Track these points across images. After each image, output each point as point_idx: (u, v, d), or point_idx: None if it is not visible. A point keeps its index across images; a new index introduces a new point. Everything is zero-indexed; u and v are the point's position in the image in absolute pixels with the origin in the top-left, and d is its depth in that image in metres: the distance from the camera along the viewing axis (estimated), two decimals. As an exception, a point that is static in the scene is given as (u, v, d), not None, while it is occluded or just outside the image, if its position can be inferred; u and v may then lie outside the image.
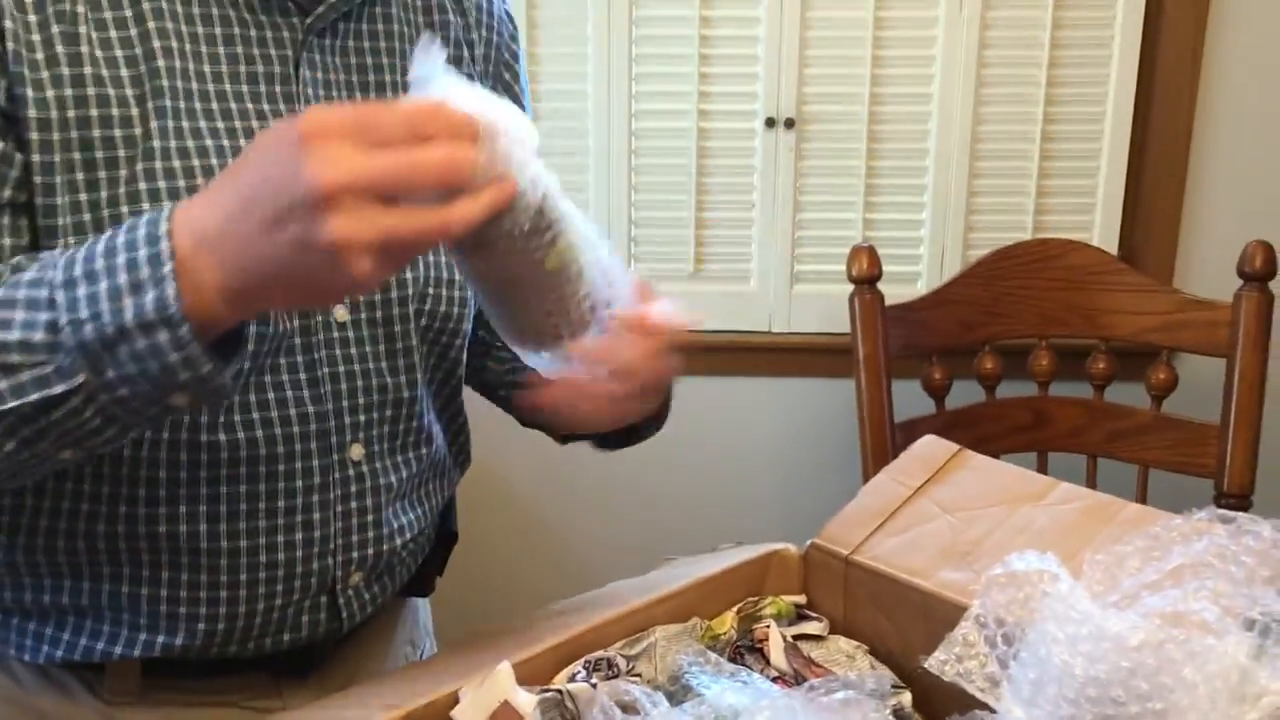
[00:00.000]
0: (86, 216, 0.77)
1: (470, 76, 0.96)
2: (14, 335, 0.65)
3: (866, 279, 1.67)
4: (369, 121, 0.60)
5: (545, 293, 0.72)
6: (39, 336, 0.64)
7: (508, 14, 1.02)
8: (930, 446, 0.93)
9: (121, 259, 0.63)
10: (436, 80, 0.65)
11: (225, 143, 0.81)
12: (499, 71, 1.00)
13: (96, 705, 0.88)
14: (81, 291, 0.64)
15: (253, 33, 0.83)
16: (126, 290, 0.63)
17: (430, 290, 0.89)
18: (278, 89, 0.84)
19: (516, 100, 1.01)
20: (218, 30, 0.82)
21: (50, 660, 0.87)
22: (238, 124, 0.82)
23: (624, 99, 1.92)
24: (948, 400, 1.75)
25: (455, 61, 0.95)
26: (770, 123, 1.93)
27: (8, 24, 0.75)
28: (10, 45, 0.75)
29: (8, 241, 0.76)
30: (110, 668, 0.87)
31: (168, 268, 0.62)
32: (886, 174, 1.96)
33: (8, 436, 0.67)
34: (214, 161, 0.80)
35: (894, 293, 1.70)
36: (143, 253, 0.63)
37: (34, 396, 0.65)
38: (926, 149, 1.95)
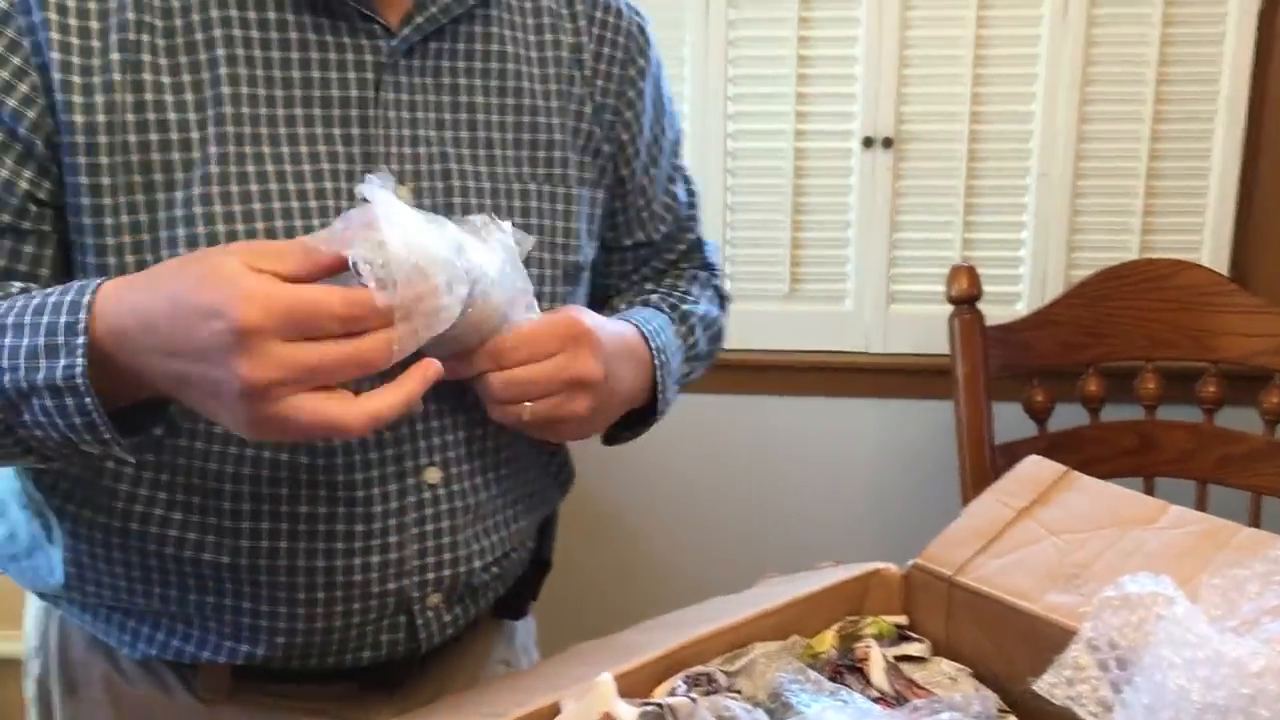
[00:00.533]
0: (145, 237, 0.77)
1: (583, 99, 0.93)
2: None
3: (966, 299, 1.64)
4: (302, 321, 0.63)
5: (457, 345, 0.78)
6: None
7: (639, 27, 0.97)
8: (1035, 467, 0.91)
9: (45, 320, 0.68)
10: (380, 204, 0.68)
11: (288, 168, 0.79)
12: (621, 90, 0.96)
13: (190, 700, 0.91)
14: (7, 341, 0.69)
15: (331, 55, 0.81)
16: (43, 352, 0.67)
17: None
18: (353, 114, 0.81)
19: (634, 123, 0.97)
20: (294, 54, 0.80)
21: (147, 656, 0.89)
22: (304, 149, 0.80)
23: (719, 118, 1.93)
24: (1050, 423, 1.71)
25: (566, 83, 0.92)
26: (868, 142, 1.92)
27: (55, 55, 0.75)
28: (58, 75, 0.75)
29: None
30: (202, 668, 0.89)
31: (80, 340, 0.67)
32: (986, 193, 1.93)
33: None
34: (273, 187, 0.79)
35: (994, 313, 1.67)
36: (63, 319, 0.67)
37: None
38: (1028, 167, 1.91)
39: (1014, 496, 0.87)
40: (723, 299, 1.11)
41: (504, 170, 0.88)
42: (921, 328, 1.94)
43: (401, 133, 0.83)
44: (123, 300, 0.68)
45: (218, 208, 0.78)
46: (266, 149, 0.79)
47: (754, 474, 2.05)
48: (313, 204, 0.80)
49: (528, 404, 0.81)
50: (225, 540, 0.84)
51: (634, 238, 1.03)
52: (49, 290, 0.70)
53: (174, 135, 0.77)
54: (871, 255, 1.96)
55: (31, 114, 0.76)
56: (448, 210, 0.84)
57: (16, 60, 0.76)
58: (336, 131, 0.81)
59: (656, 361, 0.92)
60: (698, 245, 1.10)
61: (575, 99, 0.93)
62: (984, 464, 1.61)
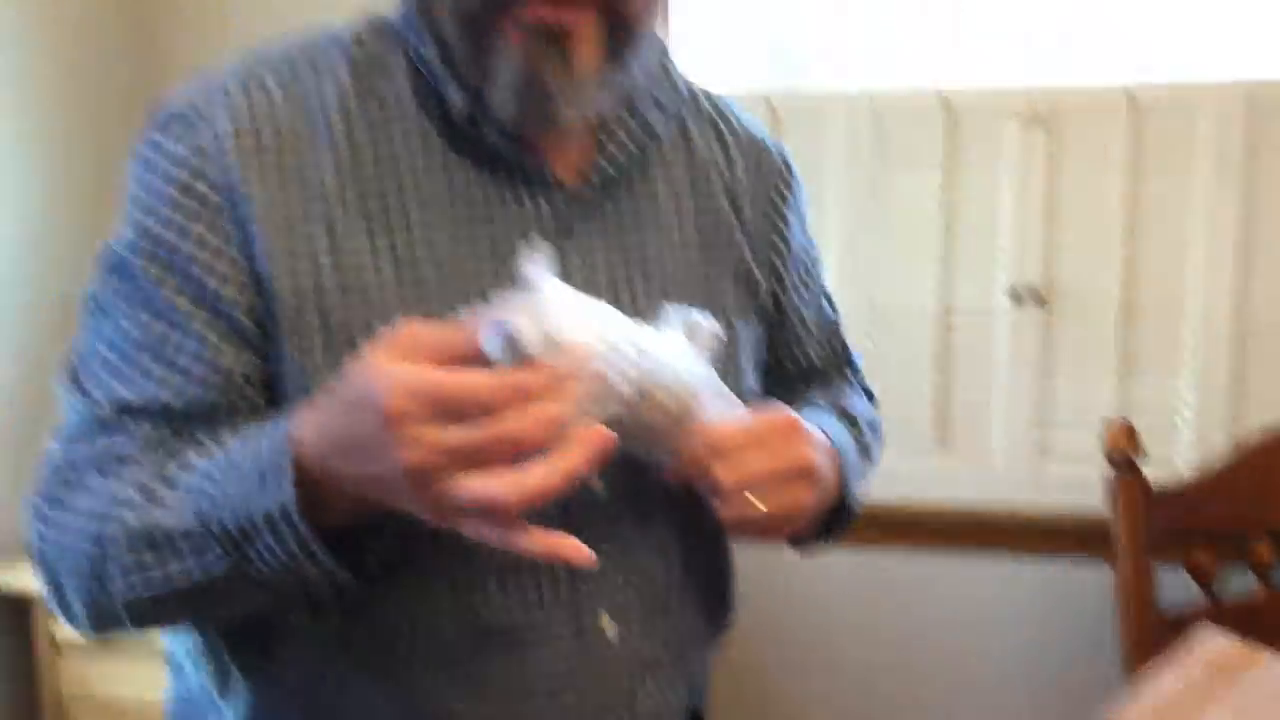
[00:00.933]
0: None
1: (736, 234, 0.95)
2: (172, 522, 0.73)
3: (1125, 459, 1.59)
4: (449, 403, 0.64)
5: (655, 437, 0.77)
6: (192, 526, 0.72)
7: (784, 159, 1.00)
8: (1214, 642, 0.86)
9: (252, 459, 0.71)
10: (541, 288, 0.68)
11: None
12: (773, 222, 0.98)
13: None
14: (223, 486, 0.71)
15: (514, 213, 0.84)
16: (256, 489, 0.70)
17: None
18: None
19: (786, 252, 0.99)
20: (480, 212, 0.83)
21: None
22: (490, 293, 0.81)
23: (864, 266, 1.94)
24: (1218, 589, 1.62)
25: (723, 222, 0.94)
26: (1015, 295, 1.90)
27: (256, 227, 0.78)
28: (262, 244, 0.78)
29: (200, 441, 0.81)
30: None
31: (287, 468, 0.68)
32: (1142, 347, 1.88)
33: (170, 604, 0.75)
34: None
35: (1155, 473, 1.61)
36: (267, 454, 0.70)
37: (195, 578, 0.73)
38: (1186, 322, 1.86)
39: (1193, 675, 0.83)
40: (871, 396, 1.12)
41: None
42: (1075, 484, 1.87)
43: (580, 285, 0.86)
44: (308, 420, 0.70)
45: None
46: (460, 307, 0.81)
47: (897, 629, 1.99)
48: None
49: (761, 497, 0.80)
50: (402, 698, 0.84)
51: (794, 361, 1.05)
52: (254, 432, 0.73)
53: (374, 295, 0.80)
54: (1021, 408, 1.92)
55: (238, 295, 0.79)
56: None
57: (217, 240, 0.79)
58: None
59: (843, 459, 0.92)
60: (845, 353, 1.12)
61: (730, 235, 0.95)
62: (1148, 634, 1.53)
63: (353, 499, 0.70)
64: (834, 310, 1.11)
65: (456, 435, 0.64)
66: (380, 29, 0.86)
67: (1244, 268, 1.83)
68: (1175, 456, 1.87)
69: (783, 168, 1.01)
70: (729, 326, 0.92)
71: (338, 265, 0.80)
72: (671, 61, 0.95)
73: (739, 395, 0.89)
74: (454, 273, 0.82)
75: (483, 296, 0.81)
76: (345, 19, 0.88)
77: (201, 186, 0.79)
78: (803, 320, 1.04)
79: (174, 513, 0.73)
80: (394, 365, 0.65)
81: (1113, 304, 1.87)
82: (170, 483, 0.75)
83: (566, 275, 0.83)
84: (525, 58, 0.78)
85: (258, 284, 0.79)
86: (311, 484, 0.69)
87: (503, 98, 0.80)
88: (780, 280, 1.00)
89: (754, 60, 2.18)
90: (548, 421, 0.65)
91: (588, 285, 0.85)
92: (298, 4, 1.65)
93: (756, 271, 0.97)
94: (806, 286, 1.04)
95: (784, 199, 1.00)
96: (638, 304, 0.88)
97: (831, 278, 1.91)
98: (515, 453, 0.65)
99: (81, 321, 0.84)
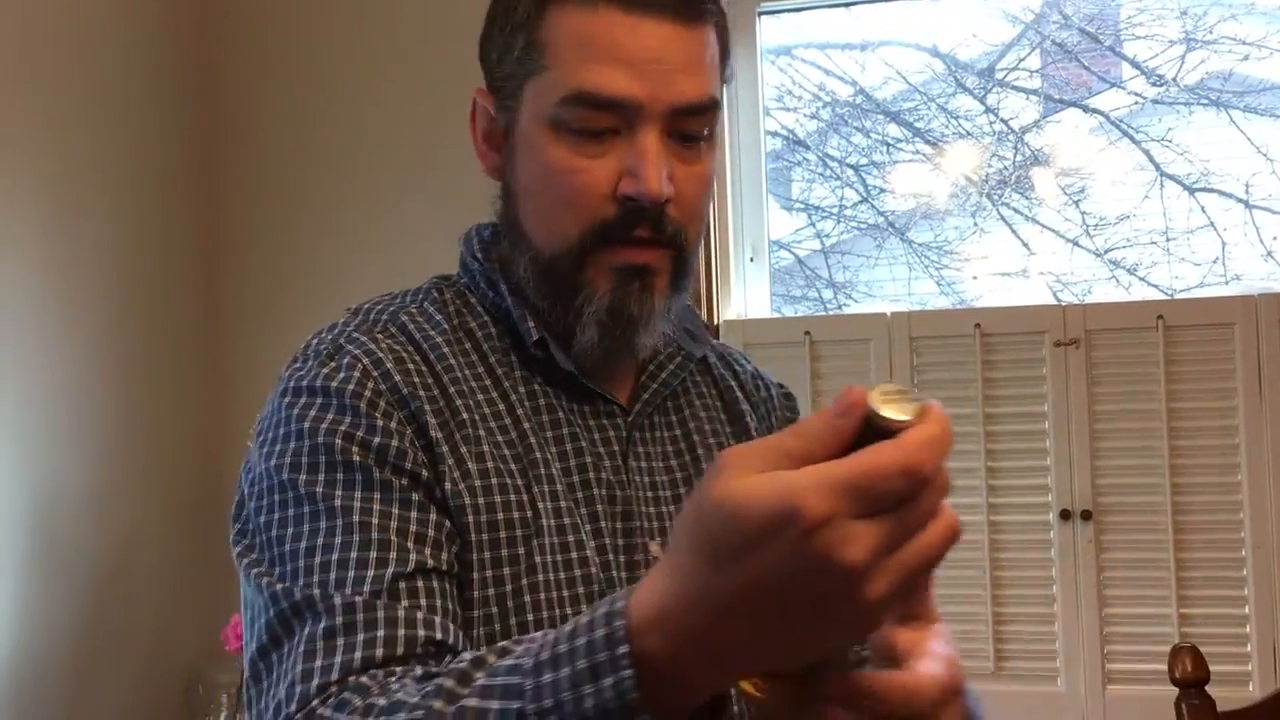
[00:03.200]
0: (505, 589, 0.84)
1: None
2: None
3: (1192, 682, 1.54)
4: (867, 489, 0.57)
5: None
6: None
7: (788, 394, 1.08)
8: None
9: (582, 641, 0.63)
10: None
11: (583, 513, 0.89)
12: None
13: None
14: (546, 678, 0.63)
15: (595, 433, 0.93)
16: (586, 676, 0.62)
17: None
18: (607, 472, 0.92)
19: None
20: (564, 429, 0.91)
21: None
22: (580, 496, 0.90)
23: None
24: (1305, 823, 1.53)
25: (746, 429, 1.01)
26: (1065, 515, 1.89)
27: (430, 471, 0.85)
28: (443, 469, 0.85)
29: (450, 606, 0.82)
30: None
31: (623, 650, 0.61)
32: (1198, 565, 1.85)
33: None
34: (579, 525, 0.88)
35: (1225, 695, 1.56)
36: (600, 634, 0.62)
37: None
38: (1242, 539, 1.84)
39: None
40: None
41: None
42: (1144, 711, 1.81)
43: (646, 494, 0.94)
44: (649, 589, 0.62)
45: (551, 557, 0.86)
46: (564, 503, 0.88)
47: None
48: (594, 563, 0.88)
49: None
50: None
51: None
52: (574, 618, 0.67)
53: (511, 497, 0.86)
54: (1081, 632, 1.88)
55: (435, 481, 0.85)
56: None
57: (408, 435, 0.85)
58: (603, 491, 0.91)
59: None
60: None
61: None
62: None
63: (702, 679, 0.63)
64: None
65: (888, 520, 0.57)
66: (449, 283, 0.96)
67: (1294, 482, 1.82)
68: (1247, 679, 1.81)
69: (786, 398, 1.08)
70: None
71: (485, 486, 0.86)
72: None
73: None
74: (561, 478, 0.89)
75: (571, 494, 0.89)
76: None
77: (378, 397, 0.85)
78: None
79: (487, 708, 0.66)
80: (783, 473, 0.58)
81: (1165, 522, 1.85)
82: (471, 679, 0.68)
83: (633, 482, 0.93)
84: (613, 294, 0.88)
85: (440, 484, 0.85)
86: (648, 663, 0.61)
87: (589, 332, 0.89)
88: None
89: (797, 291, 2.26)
90: (947, 479, 0.59)
91: (652, 490, 0.94)
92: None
93: None
94: None
95: (795, 420, 1.07)
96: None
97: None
98: (951, 537, 0.59)
99: (256, 565, 0.83)
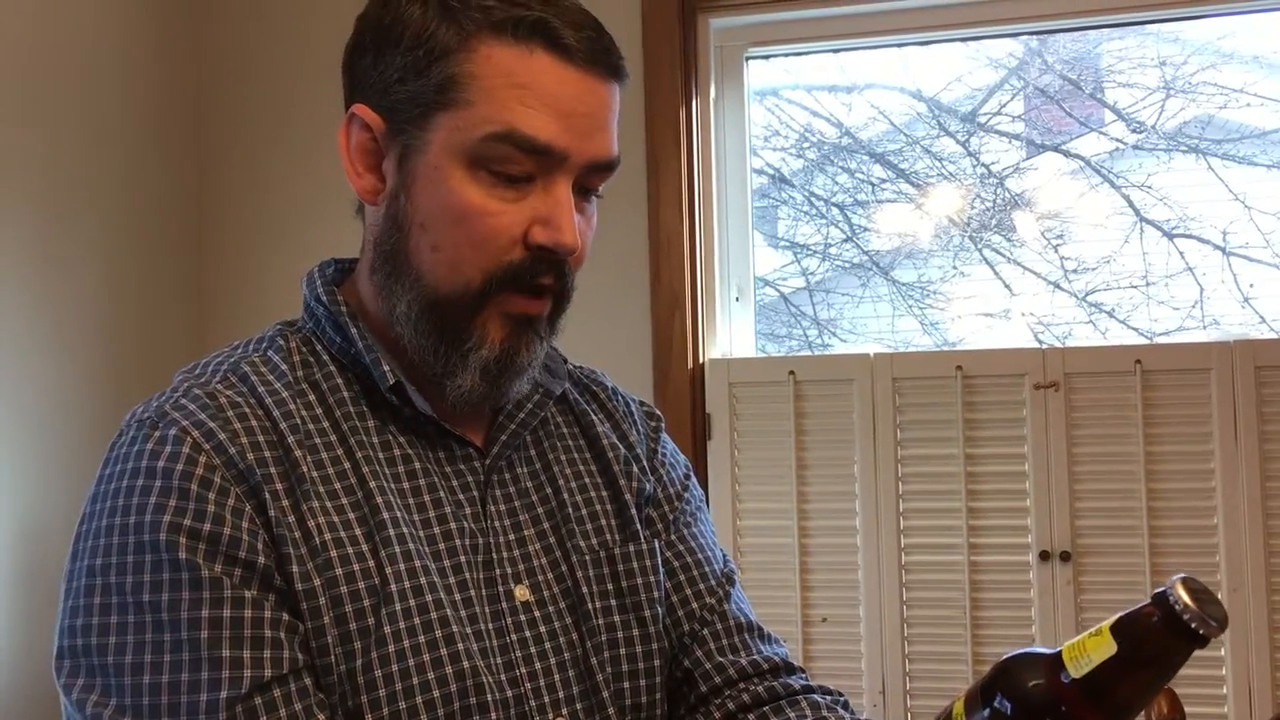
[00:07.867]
0: (356, 663, 0.81)
1: (630, 464, 1.01)
2: None
3: (1167, 725, 1.56)
4: None
5: None
6: None
7: (647, 414, 1.06)
8: None
9: None
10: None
11: (444, 565, 0.87)
12: (653, 450, 1.04)
13: None
14: None
15: (453, 479, 0.91)
16: None
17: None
18: (467, 520, 0.90)
19: (693, 535, 1.03)
20: (421, 481, 0.89)
21: None
22: (441, 548, 0.88)
23: (893, 534, 1.96)
24: None
25: (612, 461, 1.00)
26: (1045, 555, 1.91)
27: (270, 554, 0.81)
28: (273, 518, 0.81)
29: (308, 703, 0.79)
30: None
31: None
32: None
33: None
34: (434, 583, 0.85)
35: (1200, 740, 1.58)
36: None
37: None
38: (1218, 580, 1.86)
39: None
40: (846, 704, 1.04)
41: (594, 541, 0.96)
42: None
43: (508, 538, 0.92)
44: None
45: (402, 624, 0.83)
46: (417, 562, 0.85)
47: None
48: (453, 620, 0.86)
49: None
50: None
51: (692, 583, 1.02)
52: None
53: (355, 566, 0.83)
54: (1058, 671, 1.90)
55: (276, 567, 0.81)
56: (566, 593, 0.92)
57: (248, 522, 0.80)
58: (464, 536, 0.89)
59: None
60: (752, 627, 1.04)
61: (628, 469, 1.01)
62: None
63: None
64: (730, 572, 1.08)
65: None
66: (293, 329, 0.93)
67: (1267, 529, 1.85)
68: (1214, 714, 1.83)
69: (649, 416, 1.07)
70: (644, 541, 0.98)
71: (322, 544, 0.83)
72: None
73: (656, 601, 0.95)
74: (408, 532, 0.86)
75: (431, 541, 0.87)
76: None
77: (210, 473, 0.80)
78: (701, 548, 1.04)
79: None
80: None
81: (1142, 564, 1.88)
82: None
83: (493, 527, 0.92)
84: (505, 342, 0.88)
85: (283, 572, 0.81)
86: None
87: (470, 377, 0.88)
88: (670, 505, 1.03)
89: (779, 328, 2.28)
90: None
91: (514, 532, 0.92)
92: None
93: (650, 492, 1.02)
94: (696, 522, 1.06)
95: (657, 438, 1.06)
96: (562, 542, 0.94)
97: (861, 541, 1.95)
98: None
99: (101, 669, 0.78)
